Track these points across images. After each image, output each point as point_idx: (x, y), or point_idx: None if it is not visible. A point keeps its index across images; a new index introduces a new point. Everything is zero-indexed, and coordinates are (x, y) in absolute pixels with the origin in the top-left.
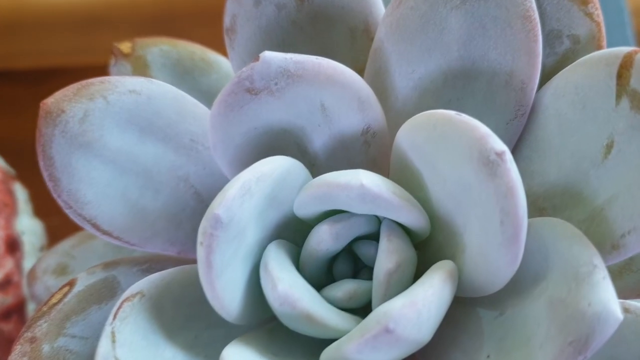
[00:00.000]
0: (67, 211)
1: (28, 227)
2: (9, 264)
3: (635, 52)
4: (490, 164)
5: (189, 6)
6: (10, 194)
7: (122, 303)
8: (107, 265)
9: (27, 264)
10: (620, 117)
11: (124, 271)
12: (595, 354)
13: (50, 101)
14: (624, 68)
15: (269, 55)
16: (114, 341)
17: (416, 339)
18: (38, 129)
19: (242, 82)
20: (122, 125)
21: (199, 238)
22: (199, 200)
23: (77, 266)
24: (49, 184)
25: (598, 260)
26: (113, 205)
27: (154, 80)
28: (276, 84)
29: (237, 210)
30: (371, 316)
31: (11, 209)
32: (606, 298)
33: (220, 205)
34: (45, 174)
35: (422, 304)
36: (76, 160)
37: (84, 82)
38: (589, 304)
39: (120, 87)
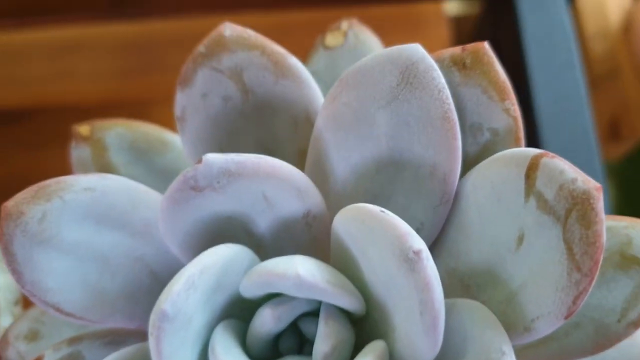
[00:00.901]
0: (31, 298)
1: (2, 282)
2: None
3: (541, 156)
4: (409, 261)
5: (166, 32)
6: None
7: None
8: (72, 341)
9: (3, 320)
10: (528, 213)
11: (87, 345)
12: None
13: (10, 204)
14: (531, 170)
15: (211, 158)
16: None
17: None
18: (0, 229)
19: (187, 180)
20: (79, 220)
21: (149, 329)
22: (153, 278)
23: (47, 332)
24: (13, 276)
25: (507, 347)
26: (74, 290)
27: (107, 175)
28: (218, 182)
29: (182, 304)
30: None
31: None
32: None
33: (166, 301)
34: (9, 268)
35: None
36: (37, 255)
37: (41, 184)
38: None
39: (76, 185)
